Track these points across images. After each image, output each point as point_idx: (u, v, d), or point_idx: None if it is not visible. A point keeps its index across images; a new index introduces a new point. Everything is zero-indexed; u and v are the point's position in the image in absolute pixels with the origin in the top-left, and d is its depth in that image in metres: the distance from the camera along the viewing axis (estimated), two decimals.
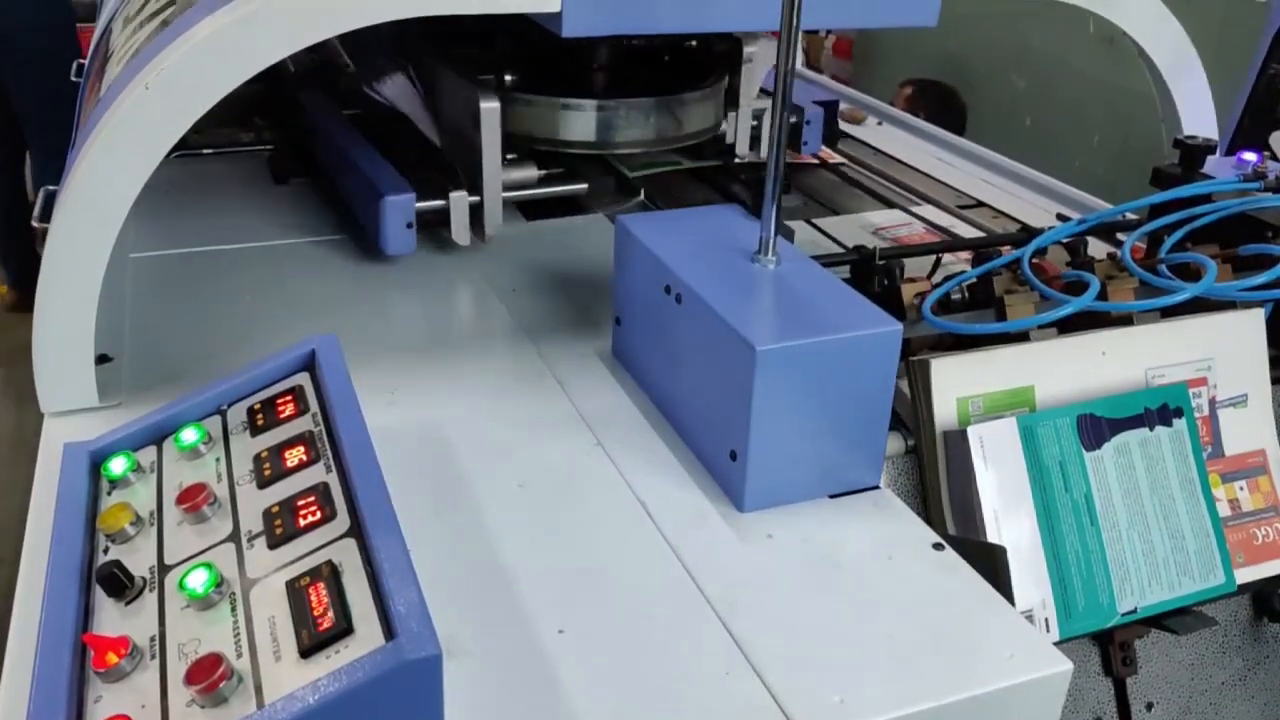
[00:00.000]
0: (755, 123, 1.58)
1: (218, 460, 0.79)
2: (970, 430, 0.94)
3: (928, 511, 0.97)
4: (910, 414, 0.97)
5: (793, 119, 1.63)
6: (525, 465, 0.92)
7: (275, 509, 0.72)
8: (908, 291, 0.98)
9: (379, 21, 0.92)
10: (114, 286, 1.16)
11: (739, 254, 0.96)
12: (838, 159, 1.83)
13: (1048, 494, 0.96)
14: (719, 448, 0.89)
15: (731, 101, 1.52)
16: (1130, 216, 1.25)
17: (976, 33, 3.51)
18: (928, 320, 0.93)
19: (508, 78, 1.30)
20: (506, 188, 1.31)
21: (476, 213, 1.29)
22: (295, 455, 0.76)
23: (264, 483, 0.75)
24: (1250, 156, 1.25)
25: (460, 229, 1.28)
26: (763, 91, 1.66)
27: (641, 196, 1.53)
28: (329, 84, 1.61)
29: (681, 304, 0.92)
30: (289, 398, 0.83)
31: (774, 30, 0.87)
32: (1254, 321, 1.06)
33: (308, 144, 1.56)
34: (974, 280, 1.05)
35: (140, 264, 1.25)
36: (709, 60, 1.52)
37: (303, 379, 0.85)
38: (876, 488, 0.91)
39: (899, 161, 1.85)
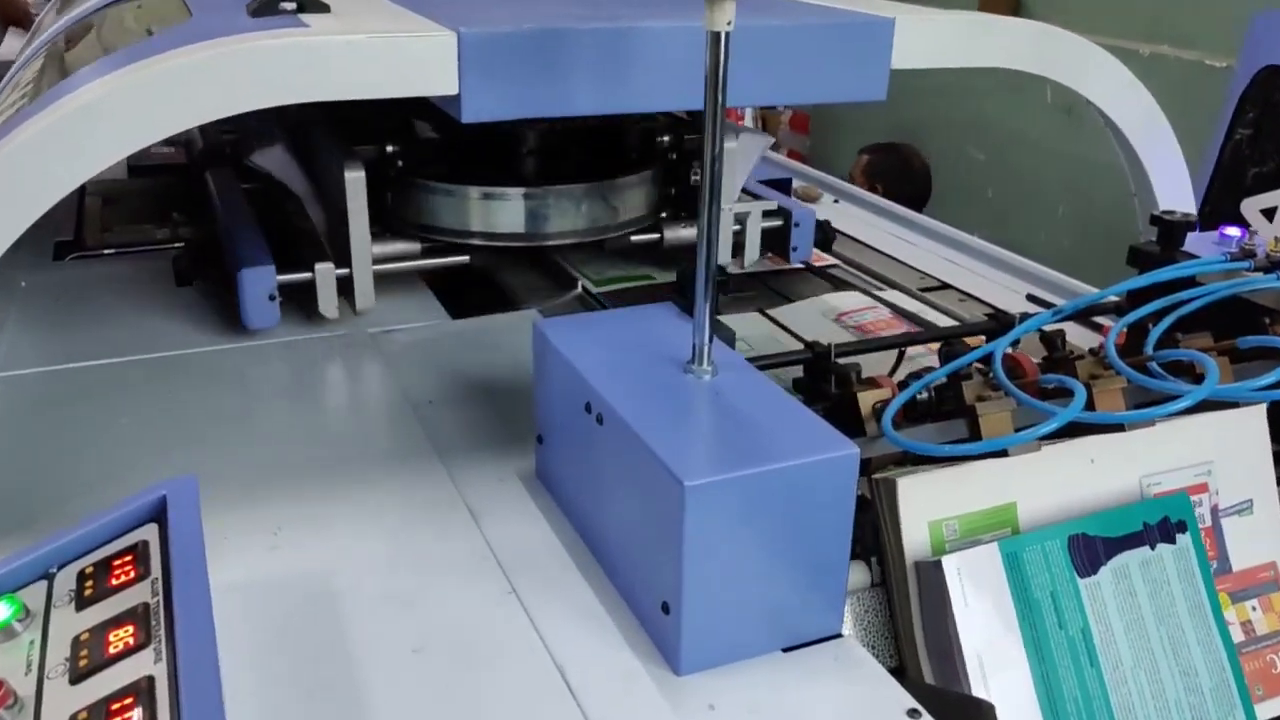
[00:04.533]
0: (738, 227, 1.45)
1: (32, 643, 0.64)
2: (946, 561, 0.81)
3: (901, 656, 0.84)
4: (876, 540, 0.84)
5: (779, 221, 1.48)
6: (424, 623, 0.77)
7: (84, 715, 0.57)
8: (865, 401, 0.85)
9: (245, 110, 0.80)
10: None
11: (670, 363, 0.83)
12: (828, 260, 1.63)
13: (1039, 631, 0.82)
14: (650, 597, 0.75)
15: None
16: (1112, 297, 1.13)
17: (937, 103, 3.46)
18: (889, 438, 0.81)
19: (390, 149, 1.29)
20: (382, 260, 1.27)
21: (348, 286, 1.24)
22: (121, 638, 0.62)
23: (78, 676, 0.61)
24: (1234, 232, 1.14)
25: (327, 302, 1.23)
26: (746, 193, 1.53)
27: (579, 290, 1.41)
28: (233, 159, 1.50)
29: (603, 425, 0.79)
30: (129, 558, 0.69)
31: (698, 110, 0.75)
32: (1256, 419, 0.94)
33: (217, 233, 1.44)
34: (942, 380, 0.93)
35: (6, 384, 1.10)
36: (676, 152, 1.40)
37: (149, 532, 0.71)
38: (839, 635, 0.77)
39: (858, 242, 1.74)
